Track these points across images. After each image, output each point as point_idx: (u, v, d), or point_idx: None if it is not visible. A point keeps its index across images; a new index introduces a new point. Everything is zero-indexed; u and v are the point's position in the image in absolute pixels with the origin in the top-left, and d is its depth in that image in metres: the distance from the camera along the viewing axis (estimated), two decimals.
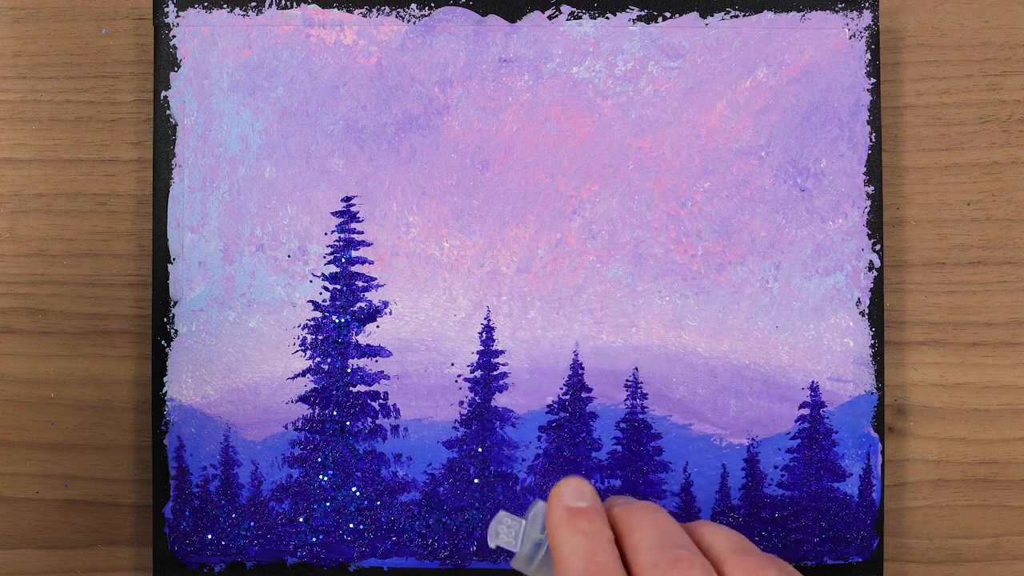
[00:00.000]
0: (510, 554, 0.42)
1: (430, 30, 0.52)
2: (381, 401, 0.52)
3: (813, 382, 0.52)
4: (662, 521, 0.40)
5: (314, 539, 0.51)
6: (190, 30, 0.52)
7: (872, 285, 0.52)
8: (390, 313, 0.52)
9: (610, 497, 0.44)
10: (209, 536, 0.51)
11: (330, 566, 0.51)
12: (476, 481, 0.52)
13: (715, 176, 0.52)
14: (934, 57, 0.54)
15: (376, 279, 0.52)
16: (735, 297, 0.52)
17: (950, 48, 0.54)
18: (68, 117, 0.54)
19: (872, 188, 0.52)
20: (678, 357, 0.52)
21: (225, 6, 0.52)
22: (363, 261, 0.52)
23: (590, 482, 0.43)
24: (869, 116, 0.52)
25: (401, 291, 0.52)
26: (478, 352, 0.52)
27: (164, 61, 0.52)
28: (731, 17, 0.52)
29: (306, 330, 0.52)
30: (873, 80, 0.52)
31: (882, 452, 0.52)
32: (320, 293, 0.52)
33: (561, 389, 0.52)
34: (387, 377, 0.52)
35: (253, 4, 0.52)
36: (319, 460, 0.52)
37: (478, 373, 0.52)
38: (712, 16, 0.52)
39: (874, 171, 0.52)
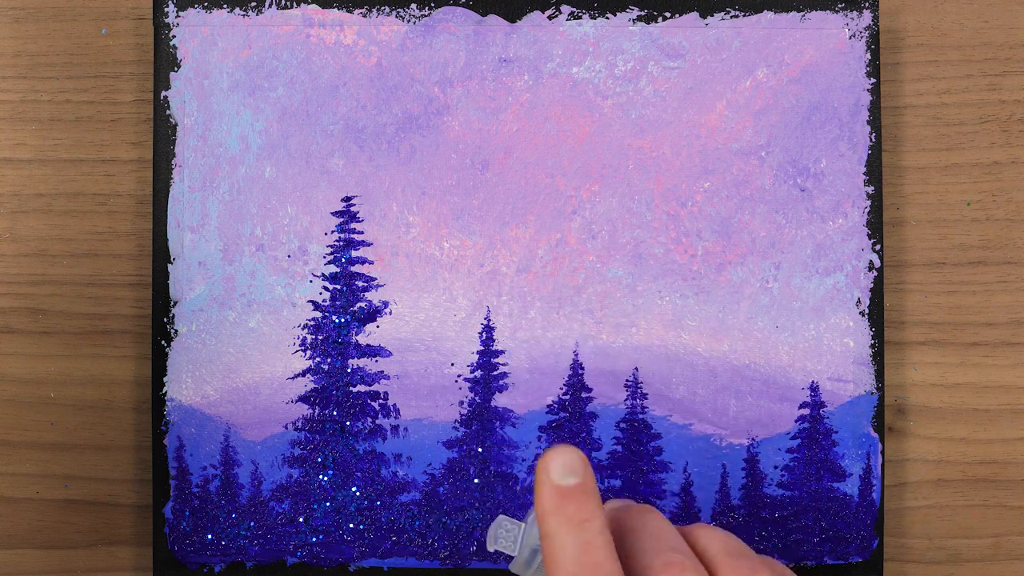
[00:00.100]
0: (509, 557, 0.41)
1: (430, 30, 0.52)
2: (381, 401, 0.52)
3: (813, 382, 0.52)
4: (656, 524, 0.40)
5: (314, 539, 0.51)
6: (190, 30, 0.52)
7: (872, 285, 0.52)
8: (390, 313, 0.52)
9: (609, 501, 0.43)
10: (209, 536, 0.51)
11: (330, 566, 0.51)
12: (476, 481, 0.52)
13: (715, 176, 0.52)
14: (934, 57, 0.54)
15: (376, 279, 0.52)
16: (735, 297, 0.52)
17: (950, 48, 0.54)
18: (68, 117, 0.54)
19: (872, 188, 0.52)
20: (678, 357, 0.52)
21: (225, 6, 0.52)
22: (363, 261, 0.52)
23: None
24: (869, 116, 0.52)
25: (401, 291, 0.52)
26: (478, 352, 0.52)
27: (164, 61, 0.52)
28: (731, 17, 0.52)
29: (306, 330, 0.52)
30: (873, 80, 0.52)
31: (882, 452, 0.52)
32: (320, 293, 0.52)
33: (561, 389, 0.52)
34: (387, 377, 0.52)
35: (253, 4, 0.52)
36: (319, 460, 0.52)
37: (478, 373, 0.52)
38: (712, 16, 0.52)
39: (874, 171, 0.52)
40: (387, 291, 0.52)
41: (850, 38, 0.52)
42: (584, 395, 0.52)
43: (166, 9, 0.52)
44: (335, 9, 0.52)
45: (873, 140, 0.52)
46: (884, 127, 0.54)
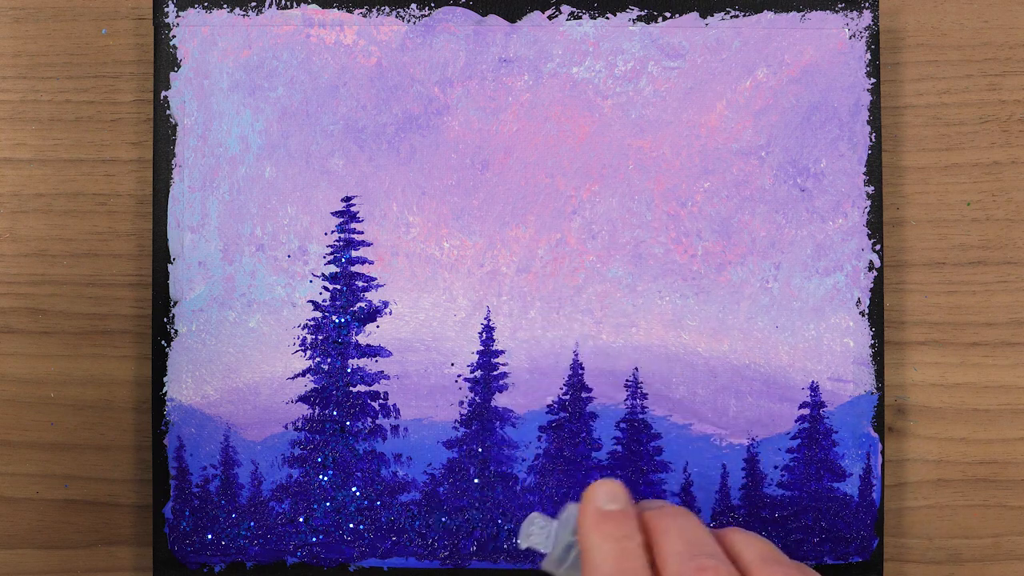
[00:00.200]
0: (538, 555, 0.42)
1: (430, 30, 0.52)
2: (381, 401, 0.52)
3: (813, 382, 0.52)
4: (691, 527, 0.40)
5: (314, 539, 0.51)
6: (190, 30, 0.52)
7: (872, 285, 0.52)
8: (390, 313, 0.52)
9: (643, 501, 0.44)
10: (209, 536, 0.51)
11: (330, 566, 0.51)
12: (476, 481, 0.52)
13: (715, 176, 0.52)
14: (934, 57, 0.54)
15: (376, 279, 0.52)
16: (735, 297, 0.52)
17: (950, 48, 0.54)
18: (68, 117, 0.54)
19: (872, 188, 0.52)
20: (678, 357, 0.52)
21: (225, 6, 0.52)
22: (363, 261, 0.52)
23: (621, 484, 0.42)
24: (869, 116, 0.52)
25: (401, 291, 0.52)
26: (478, 352, 0.52)
27: (164, 61, 0.52)
28: (731, 17, 0.52)
29: (306, 330, 0.52)
30: (873, 80, 0.52)
31: (882, 452, 0.52)
32: (320, 293, 0.52)
33: (561, 389, 0.52)
34: (387, 377, 0.52)
35: (253, 4, 0.52)
36: (319, 460, 0.52)
37: (478, 373, 0.52)
38: (712, 16, 0.52)
39: (874, 171, 0.52)
40: (387, 291, 0.52)
41: (850, 38, 0.52)
42: (584, 395, 0.52)
43: (166, 9, 0.52)
44: (335, 9, 0.52)
45: (873, 140, 0.52)
46: (884, 127, 0.54)
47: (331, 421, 0.52)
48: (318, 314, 0.52)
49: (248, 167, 0.52)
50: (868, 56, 0.52)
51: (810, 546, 0.52)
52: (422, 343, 0.52)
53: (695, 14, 0.52)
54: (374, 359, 0.52)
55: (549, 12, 0.52)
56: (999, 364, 0.54)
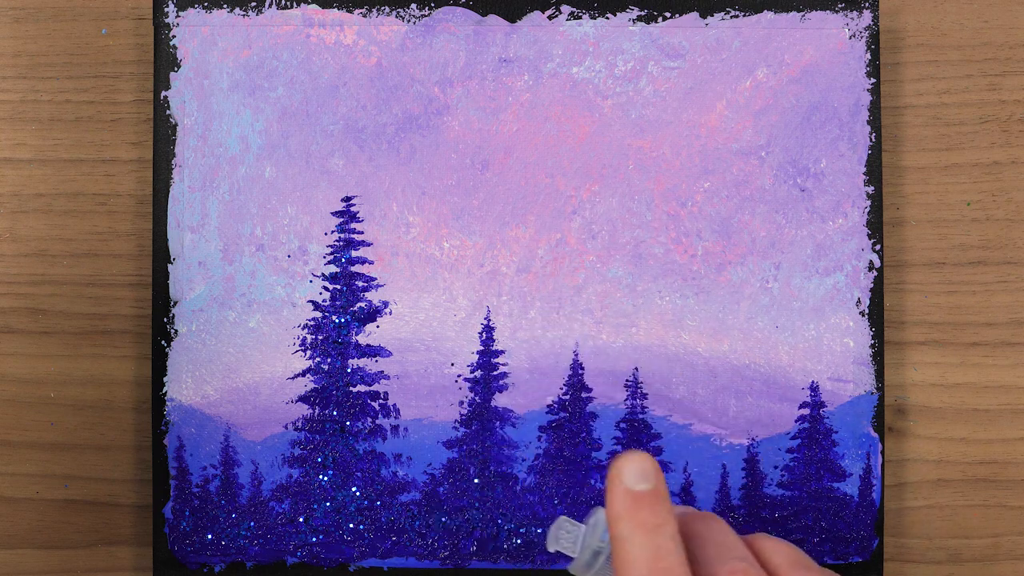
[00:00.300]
0: (569, 558, 0.42)
1: (430, 30, 0.52)
2: (381, 401, 0.52)
3: (813, 382, 0.52)
4: (721, 532, 0.40)
5: (314, 539, 0.51)
6: (190, 30, 0.52)
7: (872, 285, 0.52)
8: (390, 313, 0.52)
9: None
10: (209, 536, 0.51)
11: (330, 566, 0.51)
12: (476, 481, 0.52)
13: (715, 176, 0.52)
14: (934, 57, 0.54)
15: (376, 279, 0.52)
16: (735, 297, 0.52)
17: (950, 48, 0.54)
18: (68, 117, 0.54)
19: (872, 188, 0.52)
20: (678, 357, 0.52)
21: (225, 6, 0.52)
22: (363, 261, 0.52)
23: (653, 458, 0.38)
24: (869, 116, 0.52)
25: (401, 291, 0.52)
26: (478, 352, 0.52)
27: (164, 61, 0.52)
28: (731, 17, 0.52)
29: (306, 330, 0.52)
30: (873, 80, 0.52)
31: (882, 452, 0.52)
32: (320, 293, 0.52)
33: (561, 389, 0.52)
34: (387, 377, 0.52)
35: (253, 4, 0.52)
36: (319, 460, 0.52)
37: (478, 373, 0.52)
38: (712, 16, 0.52)
39: (874, 171, 0.52)
40: (387, 291, 0.52)
41: (850, 38, 0.52)
42: (584, 395, 0.52)
43: (166, 9, 0.52)
44: (335, 9, 0.52)
45: (873, 140, 0.52)
46: (884, 127, 0.54)
47: (331, 421, 0.52)
48: (318, 314, 0.52)
49: (248, 167, 0.52)
50: (868, 56, 0.52)
51: (810, 546, 0.52)
52: (422, 343, 0.52)
53: (695, 14, 0.52)
54: (374, 359, 0.52)
55: (549, 12, 0.52)
56: (999, 364, 0.54)
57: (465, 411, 0.52)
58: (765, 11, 0.52)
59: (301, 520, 0.52)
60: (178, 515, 0.51)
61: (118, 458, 0.53)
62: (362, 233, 0.52)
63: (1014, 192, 0.54)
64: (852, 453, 0.52)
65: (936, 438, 0.54)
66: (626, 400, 0.52)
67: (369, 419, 0.52)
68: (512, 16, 0.52)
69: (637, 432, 0.52)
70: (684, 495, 0.52)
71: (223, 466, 0.52)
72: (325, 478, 0.52)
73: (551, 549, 0.41)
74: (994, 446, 0.54)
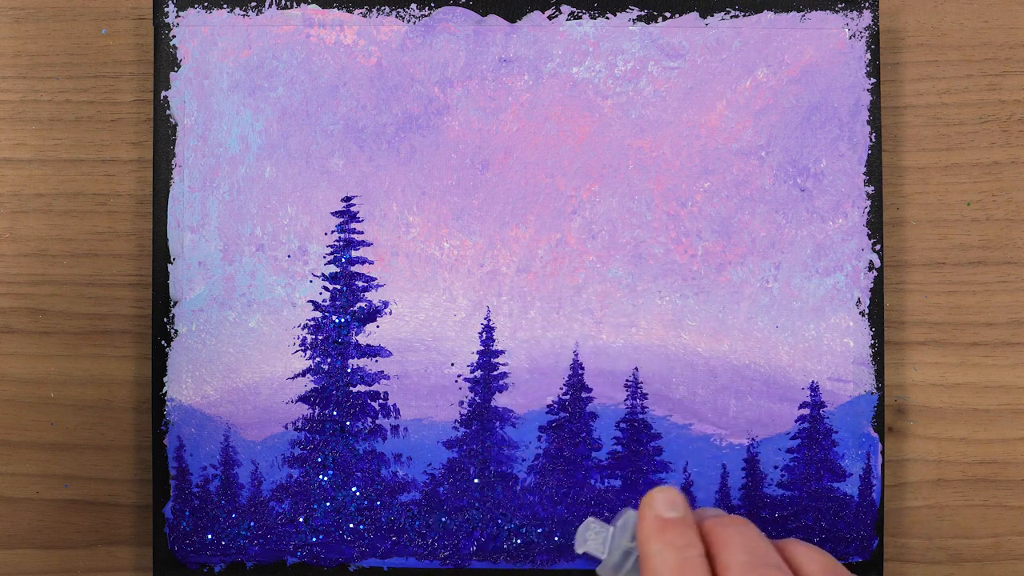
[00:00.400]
0: (596, 559, 0.42)
1: (430, 30, 0.52)
2: (381, 401, 0.52)
3: (813, 382, 0.52)
4: (753, 538, 0.40)
5: (314, 539, 0.51)
6: (190, 30, 0.52)
7: (872, 285, 0.52)
8: (390, 313, 0.52)
9: (699, 509, 0.44)
10: (209, 536, 0.51)
11: (330, 566, 0.51)
12: (476, 481, 0.52)
13: (715, 176, 0.52)
14: (934, 57, 0.54)
15: (376, 279, 0.52)
16: (735, 297, 0.52)
17: (950, 48, 0.54)
18: (68, 117, 0.54)
19: (872, 188, 0.52)
20: (678, 357, 0.52)
21: (225, 6, 0.52)
22: (363, 261, 0.52)
23: (679, 491, 0.42)
24: (869, 116, 0.52)
25: (401, 291, 0.52)
26: (478, 352, 0.52)
27: (164, 61, 0.52)
28: (731, 17, 0.52)
29: (306, 330, 0.52)
30: (873, 80, 0.52)
31: (882, 452, 0.52)
32: (320, 293, 0.52)
33: (561, 389, 0.52)
34: (387, 377, 0.52)
35: (253, 4, 0.52)
36: (319, 460, 0.52)
37: (478, 373, 0.52)
38: (712, 16, 0.52)
39: (874, 171, 0.52)
40: (387, 291, 0.52)
41: (850, 38, 0.52)
42: (584, 395, 0.52)
43: (166, 9, 0.52)
44: (335, 9, 0.52)
45: (873, 140, 0.52)
46: (884, 127, 0.54)
47: (331, 421, 0.52)
48: (318, 314, 0.52)
49: (248, 167, 0.52)
50: (868, 56, 0.52)
51: None
52: (422, 343, 0.52)
53: (695, 14, 0.52)
54: (374, 359, 0.52)
55: (549, 12, 0.52)
56: (999, 364, 0.54)
57: (465, 411, 0.52)
58: (765, 11, 0.52)
59: (301, 520, 0.52)
60: (178, 515, 0.51)
61: (118, 458, 0.53)
62: (362, 233, 0.52)
63: (1014, 192, 0.54)
64: (852, 453, 0.52)
65: (936, 438, 0.54)
66: (626, 400, 0.52)
67: (369, 419, 0.52)
68: (512, 16, 0.52)
69: (637, 432, 0.52)
70: (684, 495, 0.52)
71: (223, 466, 0.52)
72: (325, 478, 0.52)
73: (579, 551, 0.41)
74: (994, 446, 0.54)
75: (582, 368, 0.52)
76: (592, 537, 0.41)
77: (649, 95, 0.52)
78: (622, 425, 0.52)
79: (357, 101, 0.52)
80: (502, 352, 0.52)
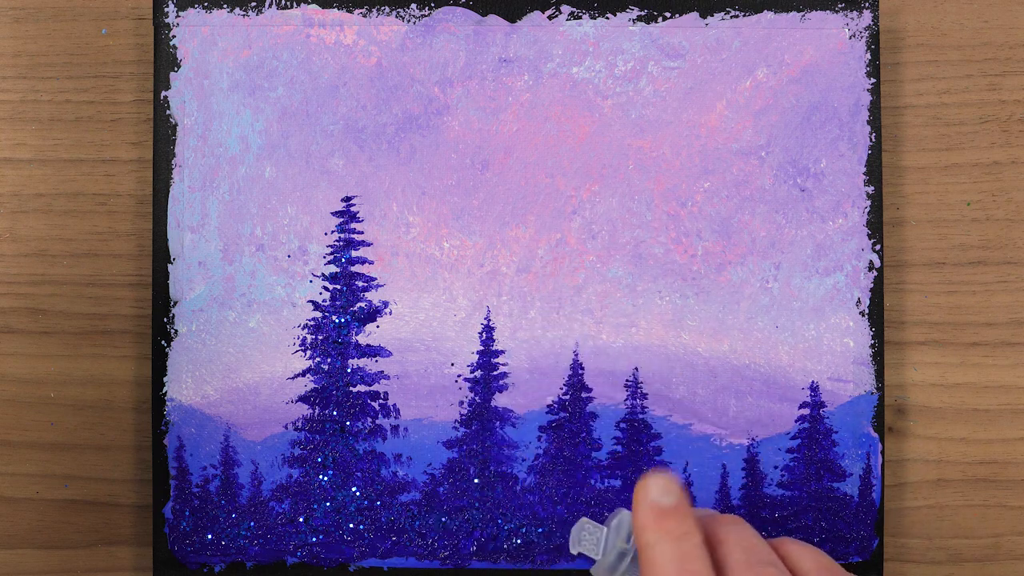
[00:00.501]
0: (591, 560, 0.41)
1: (430, 30, 0.52)
2: (381, 401, 0.52)
3: (813, 382, 0.52)
4: (748, 536, 0.40)
5: (314, 539, 0.51)
6: (190, 30, 0.52)
7: (872, 285, 0.52)
8: (390, 313, 0.52)
9: (692, 509, 0.43)
10: (209, 536, 0.51)
11: (330, 566, 0.51)
12: (476, 481, 0.52)
13: (715, 176, 0.52)
14: (934, 57, 0.54)
15: (376, 279, 0.52)
16: (735, 297, 0.52)
17: (950, 48, 0.54)
18: (68, 117, 0.54)
19: (872, 188, 0.52)
20: (678, 357, 0.52)
21: (225, 6, 0.52)
22: (363, 261, 0.52)
23: (675, 479, 0.40)
24: (869, 116, 0.52)
25: (401, 291, 0.52)
26: (478, 352, 0.52)
27: (164, 61, 0.52)
28: (731, 17, 0.52)
29: (306, 330, 0.52)
30: (873, 80, 0.52)
31: (882, 452, 0.52)
32: (320, 293, 0.52)
33: (561, 389, 0.52)
34: (387, 377, 0.52)
35: (253, 4, 0.52)
36: (319, 460, 0.52)
37: (478, 373, 0.52)
38: (712, 16, 0.52)
39: (874, 171, 0.52)
40: (387, 291, 0.52)
41: (850, 38, 0.52)
42: (584, 395, 0.52)
43: (166, 9, 0.52)
44: (335, 9, 0.52)
45: (873, 140, 0.52)
46: (884, 127, 0.54)
47: (331, 421, 0.52)
48: (318, 314, 0.52)
49: (248, 167, 0.52)
50: (868, 56, 0.52)
51: None
52: (422, 343, 0.52)
53: (695, 14, 0.52)
54: (374, 359, 0.52)
55: (549, 12, 0.52)
56: (999, 364, 0.54)
57: (465, 411, 0.52)
58: (765, 11, 0.52)
59: (301, 520, 0.52)
60: (178, 515, 0.51)
61: (118, 458, 0.53)
62: (362, 233, 0.52)
63: (1014, 192, 0.54)
64: (852, 453, 0.52)
65: (936, 438, 0.54)
66: (626, 400, 0.52)
67: (369, 419, 0.52)
68: (512, 16, 0.52)
69: (637, 432, 0.52)
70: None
71: (223, 466, 0.52)
72: (325, 478, 0.52)
73: (573, 551, 0.41)
74: (994, 446, 0.54)
75: (582, 368, 0.52)
76: (586, 537, 0.41)
77: (649, 95, 0.52)
78: (622, 425, 0.52)
79: (357, 101, 0.52)
80: (502, 352, 0.52)
